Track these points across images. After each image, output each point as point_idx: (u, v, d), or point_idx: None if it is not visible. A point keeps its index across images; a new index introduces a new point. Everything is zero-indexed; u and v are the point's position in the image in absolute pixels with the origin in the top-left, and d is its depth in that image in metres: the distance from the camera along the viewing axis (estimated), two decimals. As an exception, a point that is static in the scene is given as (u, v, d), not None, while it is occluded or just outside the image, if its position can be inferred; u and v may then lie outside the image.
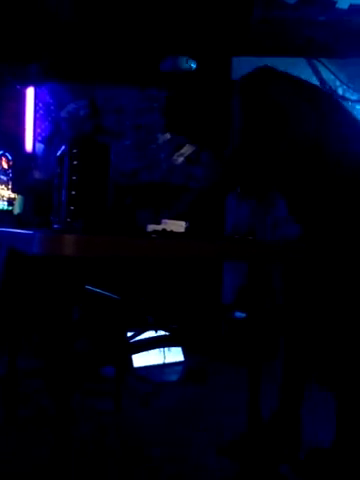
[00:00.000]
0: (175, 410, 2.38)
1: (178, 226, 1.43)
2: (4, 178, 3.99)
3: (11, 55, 3.69)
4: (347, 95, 3.89)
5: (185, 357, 3.19)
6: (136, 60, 3.77)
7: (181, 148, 1.89)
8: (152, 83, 3.87)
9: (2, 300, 2.65)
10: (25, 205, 3.71)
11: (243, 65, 3.65)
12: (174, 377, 2.95)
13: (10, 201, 3.91)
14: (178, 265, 3.00)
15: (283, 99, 1.60)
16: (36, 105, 4.10)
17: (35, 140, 4.10)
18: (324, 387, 2.12)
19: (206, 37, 3.54)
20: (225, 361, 3.21)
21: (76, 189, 1.57)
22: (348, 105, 3.82)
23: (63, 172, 1.62)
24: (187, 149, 1.87)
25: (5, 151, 4.03)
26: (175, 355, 3.16)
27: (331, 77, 3.87)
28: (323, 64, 3.86)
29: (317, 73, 3.86)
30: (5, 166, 4.02)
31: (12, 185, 3.97)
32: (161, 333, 2.50)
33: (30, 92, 4.06)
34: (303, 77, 1.72)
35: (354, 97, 3.89)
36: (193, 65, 1.80)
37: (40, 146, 4.10)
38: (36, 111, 4.10)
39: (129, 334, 2.25)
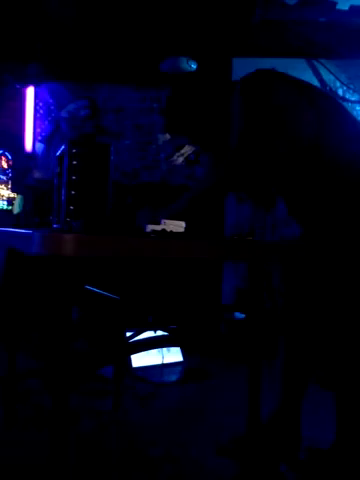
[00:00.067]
0: (174, 410, 2.38)
1: (177, 226, 1.43)
2: (4, 178, 3.99)
3: (11, 55, 3.69)
4: (347, 96, 3.89)
5: (184, 357, 3.19)
6: (136, 60, 3.77)
7: (181, 148, 1.88)
8: (152, 83, 3.87)
9: (1, 300, 2.65)
10: (25, 205, 3.71)
11: (244, 66, 3.65)
12: (173, 377, 2.95)
13: (10, 201, 3.92)
14: (178, 265, 3.00)
15: (283, 100, 1.60)
16: (36, 105, 4.10)
17: (35, 140, 4.10)
18: (324, 387, 2.12)
19: (207, 38, 3.54)
20: (224, 361, 3.21)
21: (76, 189, 1.57)
22: (348, 106, 3.83)
23: (63, 172, 1.62)
24: (187, 149, 1.86)
25: (5, 151, 4.03)
26: (174, 355, 3.16)
27: (331, 78, 3.88)
28: (323, 65, 3.87)
29: (317, 74, 3.87)
30: (5, 166, 4.02)
31: (12, 185, 3.97)
32: (160, 333, 2.49)
33: (30, 92, 4.06)
34: (303, 78, 1.72)
35: (354, 98, 3.90)
36: (193, 66, 1.80)
37: (40, 146, 4.10)
38: (36, 111, 4.10)
39: (128, 334, 2.25)
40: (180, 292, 3.37)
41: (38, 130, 4.12)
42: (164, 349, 3.06)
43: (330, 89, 3.86)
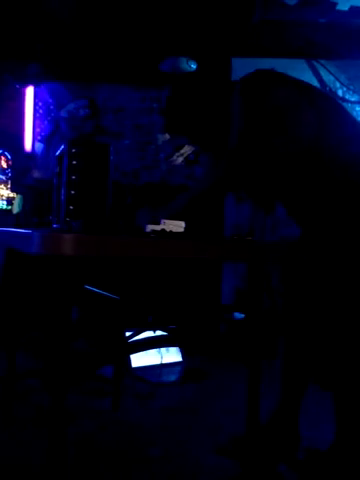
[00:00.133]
0: (173, 410, 2.38)
1: (177, 226, 1.43)
2: (3, 177, 3.99)
3: (11, 54, 3.69)
4: (347, 96, 3.90)
5: (183, 357, 3.19)
6: (136, 60, 3.77)
7: (181, 148, 1.88)
8: (152, 83, 3.87)
9: (1, 300, 2.65)
10: (24, 205, 3.71)
11: (243, 66, 3.65)
12: (172, 377, 2.95)
13: (9, 200, 3.91)
14: (177, 265, 3.00)
15: (283, 100, 1.60)
16: (35, 104, 4.10)
17: (34, 139, 4.10)
18: (323, 387, 2.13)
19: (206, 38, 3.54)
20: (224, 361, 3.21)
21: (75, 189, 1.57)
22: (348, 107, 3.83)
23: (62, 172, 1.62)
24: (187, 149, 1.86)
25: (4, 150, 4.03)
26: (173, 355, 3.16)
27: (331, 79, 3.88)
28: (323, 66, 3.87)
29: (317, 75, 3.87)
30: (4, 165, 4.02)
31: (11, 184, 3.97)
32: (159, 333, 2.50)
33: (30, 91, 4.06)
34: (303, 79, 1.72)
35: (354, 98, 3.90)
36: (193, 66, 1.80)
37: (39, 145, 4.10)
38: (35, 110, 4.10)
39: (128, 334, 2.25)
40: (180, 292, 3.37)
41: (38, 130, 4.12)
42: (163, 349, 3.06)
43: (330, 90, 3.86)
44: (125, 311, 2.26)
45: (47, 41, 3.67)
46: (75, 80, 4.06)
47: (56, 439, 1.20)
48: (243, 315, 3.07)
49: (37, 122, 4.12)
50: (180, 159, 1.90)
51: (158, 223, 1.42)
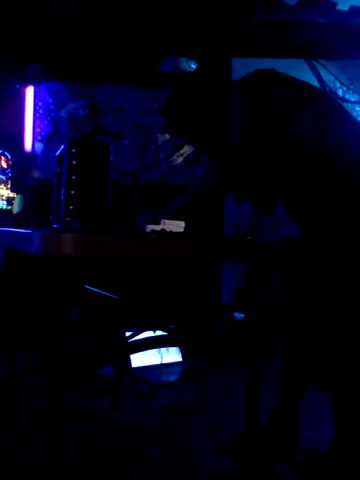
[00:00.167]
0: (173, 410, 2.38)
1: (177, 226, 1.43)
2: (3, 177, 3.99)
3: (11, 54, 3.69)
4: (347, 96, 3.90)
5: (183, 357, 3.19)
6: (136, 60, 3.77)
7: (180, 148, 1.88)
8: (152, 83, 3.87)
9: (1, 299, 2.65)
10: (24, 205, 3.71)
11: (243, 66, 3.65)
12: (172, 377, 2.95)
13: (9, 200, 3.91)
14: (177, 265, 3.00)
15: (283, 100, 1.60)
16: (35, 104, 4.10)
17: (34, 139, 4.10)
18: (323, 387, 2.13)
19: (206, 38, 3.54)
20: (224, 361, 3.21)
21: (75, 189, 1.57)
22: (348, 107, 3.83)
23: (62, 171, 1.62)
24: (186, 149, 1.86)
25: (4, 150, 4.03)
26: (173, 355, 3.16)
27: (331, 79, 3.88)
28: (323, 66, 3.87)
29: (317, 75, 3.87)
30: (4, 165, 4.02)
31: (11, 184, 3.97)
32: (159, 333, 2.49)
33: (30, 91, 4.06)
34: (303, 79, 1.72)
35: (354, 98, 3.90)
36: (193, 66, 1.80)
37: (39, 145, 4.10)
38: (35, 110, 4.10)
39: (127, 334, 2.25)
40: (179, 292, 3.37)
41: (38, 130, 4.12)
42: (163, 349, 3.06)
43: (330, 90, 3.86)
44: (125, 311, 2.26)
45: (47, 41, 3.67)
46: (75, 80, 4.06)
47: (56, 439, 1.20)
48: (243, 315, 3.07)
49: (37, 122, 4.12)
50: (180, 159, 1.90)
51: (158, 223, 1.42)
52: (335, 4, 3.25)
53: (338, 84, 3.89)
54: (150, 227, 1.40)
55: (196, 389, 2.75)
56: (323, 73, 3.88)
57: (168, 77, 1.86)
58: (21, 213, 3.65)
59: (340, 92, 3.90)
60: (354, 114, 3.81)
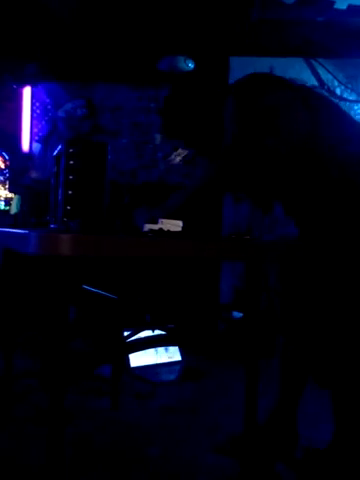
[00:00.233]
0: (172, 409, 2.39)
1: (175, 225, 1.43)
2: (1, 178, 3.99)
3: (8, 54, 3.68)
4: (345, 95, 3.90)
5: (182, 356, 3.19)
6: (134, 59, 3.76)
7: (178, 148, 1.88)
8: (150, 82, 3.87)
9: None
10: (22, 205, 3.70)
11: (241, 65, 3.66)
12: (171, 376, 2.95)
13: (7, 201, 3.91)
14: (175, 264, 3.00)
15: (276, 101, 1.60)
16: (33, 104, 4.09)
17: (32, 139, 4.10)
18: (322, 386, 2.13)
19: (204, 37, 3.53)
20: (222, 360, 3.21)
21: (73, 189, 1.57)
22: (346, 105, 3.83)
23: (60, 172, 1.61)
24: (184, 150, 1.86)
25: (2, 151, 4.02)
26: (172, 354, 3.16)
27: (329, 77, 3.88)
28: (321, 64, 3.87)
29: (315, 73, 3.87)
30: (2, 166, 4.01)
31: (9, 185, 3.96)
32: (158, 332, 2.50)
33: (27, 91, 4.05)
34: (301, 77, 1.72)
35: (352, 97, 3.90)
36: (191, 65, 1.80)
37: (37, 146, 4.09)
38: (33, 110, 4.10)
39: (126, 333, 2.25)
40: (178, 291, 3.37)
41: (35, 130, 4.11)
42: (162, 348, 3.06)
43: (328, 88, 3.86)
44: (123, 310, 2.26)
45: (44, 41, 3.67)
46: (72, 80, 4.05)
47: (54, 439, 1.20)
48: (241, 314, 3.07)
49: (34, 122, 4.11)
50: (178, 158, 1.90)
51: (156, 222, 1.42)
52: (333, 3, 3.25)
53: (336, 83, 3.89)
54: (148, 226, 1.40)
55: (195, 388, 2.75)
56: (321, 72, 3.88)
57: (166, 76, 1.85)
58: (19, 213, 3.64)
59: (338, 91, 3.90)
60: (352, 113, 3.82)
